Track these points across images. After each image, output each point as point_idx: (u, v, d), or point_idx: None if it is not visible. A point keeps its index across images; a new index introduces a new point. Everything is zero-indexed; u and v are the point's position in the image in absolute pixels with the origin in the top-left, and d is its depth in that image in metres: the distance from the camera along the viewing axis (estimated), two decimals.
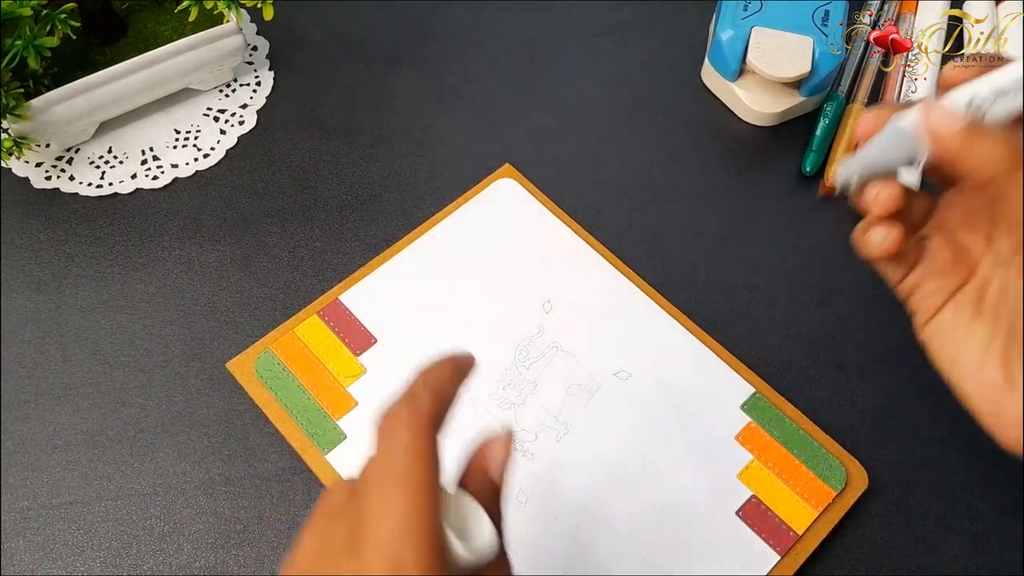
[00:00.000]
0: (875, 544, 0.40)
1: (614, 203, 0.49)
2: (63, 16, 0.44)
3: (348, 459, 0.40)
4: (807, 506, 0.39)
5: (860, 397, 0.43)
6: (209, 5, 0.47)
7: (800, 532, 0.39)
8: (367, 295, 0.45)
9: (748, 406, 0.42)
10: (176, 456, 0.41)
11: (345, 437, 0.40)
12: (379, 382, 0.42)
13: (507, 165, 0.50)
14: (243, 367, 0.42)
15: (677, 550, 0.38)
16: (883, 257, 0.33)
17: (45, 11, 0.44)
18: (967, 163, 0.28)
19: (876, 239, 0.32)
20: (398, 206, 0.49)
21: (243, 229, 0.47)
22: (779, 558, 0.38)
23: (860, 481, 0.40)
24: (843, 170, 0.32)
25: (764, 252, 0.48)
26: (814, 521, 0.39)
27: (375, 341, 0.43)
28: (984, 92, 0.29)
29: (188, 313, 0.45)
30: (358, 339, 0.43)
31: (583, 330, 0.44)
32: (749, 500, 0.39)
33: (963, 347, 0.32)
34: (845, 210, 0.50)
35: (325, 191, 0.49)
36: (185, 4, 0.46)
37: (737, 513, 0.39)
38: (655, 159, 0.51)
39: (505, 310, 0.44)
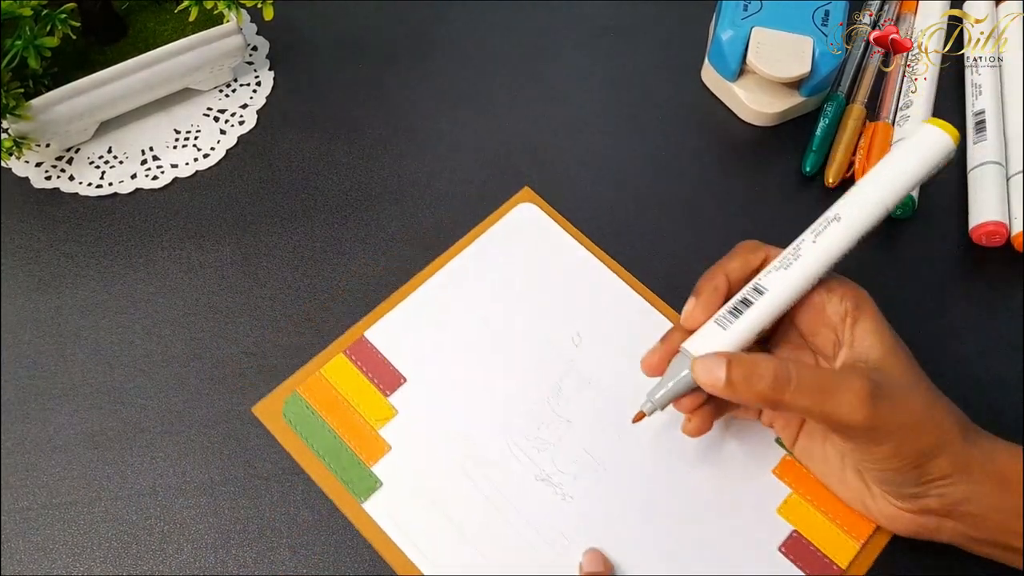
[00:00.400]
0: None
1: (611, 203, 0.49)
2: (63, 16, 0.44)
3: (386, 508, 0.39)
4: (849, 538, 0.39)
5: None
6: (209, 5, 0.47)
7: (844, 566, 0.38)
8: (393, 331, 0.43)
9: None
10: (176, 456, 0.41)
11: (381, 484, 0.39)
12: (412, 424, 0.41)
13: (526, 188, 0.49)
14: (270, 411, 0.41)
15: None
16: (698, 436, 0.38)
17: (45, 11, 0.44)
18: (740, 401, 0.35)
19: (687, 429, 0.38)
20: (398, 206, 0.49)
21: (243, 229, 0.47)
22: None
23: None
24: (650, 405, 0.37)
25: None
26: (857, 554, 0.38)
27: (404, 380, 0.42)
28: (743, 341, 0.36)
29: (188, 313, 0.45)
30: (387, 378, 0.42)
31: (613, 363, 0.43)
32: (790, 535, 0.39)
33: (825, 463, 0.39)
34: None
35: (325, 191, 0.49)
36: (185, 4, 0.46)
37: (779, 549, 0.39)
38: (653, 159, 0.51)
39: (535, 345, 0.43)
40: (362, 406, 0.41)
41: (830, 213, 0.37)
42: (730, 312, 0.36)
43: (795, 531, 0.39)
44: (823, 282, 0.37)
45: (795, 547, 0.39)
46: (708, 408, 0.38)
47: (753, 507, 0.40)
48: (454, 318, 0.44)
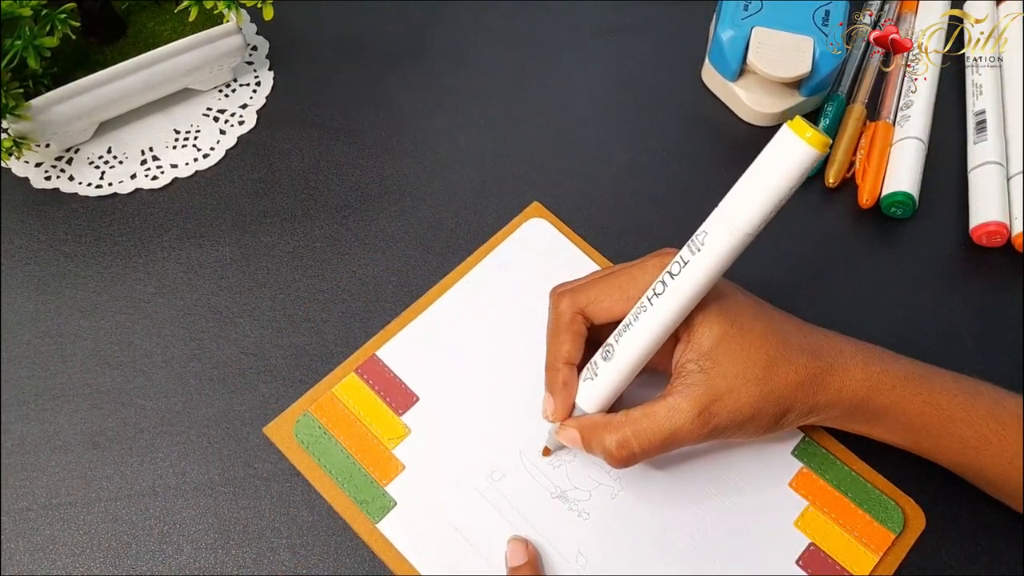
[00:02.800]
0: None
1: (609, 202, 0.49)
2: (63, 16, 0.44)
3: (401, 528, 0.39)
4: (867, 551, 0.39)
5: None
6: (209, 5, 0.47)
7: None
8: (405, 350, 0.43)
9: (799, 451, 0.41)
10: (176, 456, 0.41)
11: (395, 504, 0.39)
12: (425, 443, 0.41)
13: (535, 204, 0.48)
14: (281, 431, 0.41)
15: None
16: None
17: (45, 11, 0.44)
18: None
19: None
20: (398, 206, 0.49)
21: (243, 229, 0.47)
22: None
23: (918, 521, 0.40)
24: (552, 442, 0.40)
25: (765, 254, 0.47)
26: (875, 566, 0.38)
27: (417, 399, 0.42)
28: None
29: (188, 313, 0.45)
30: (399, 398, 0.42)
31: None
32: (808, 548, 0.39)
33: None
34: (848, 209, 0.50)
35: (325, 191, 0.49)
36: (185, 4, 0.46)
37: (797, 562, 0.39)
38: (653, 159, 0.51)
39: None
40: (375, 425, 0.41)
41: (685, 250, 0.34)
42: (602, 357, 0.37)
43: (812, 544, 0.39)
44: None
45: (813, 560, 0.39)
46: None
47: (770, 521, 0.39)
48: (466, 336, 0.44)
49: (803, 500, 0.40)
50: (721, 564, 0.38)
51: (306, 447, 0.40)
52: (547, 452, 0.41)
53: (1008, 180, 0.49)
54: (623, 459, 0.36)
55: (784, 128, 0.31)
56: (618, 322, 0.37)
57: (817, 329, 0.38)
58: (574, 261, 0.47)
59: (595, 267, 0.46)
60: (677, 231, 0.48)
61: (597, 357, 0.37)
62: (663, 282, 0.34)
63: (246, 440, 0.41)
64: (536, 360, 0.40)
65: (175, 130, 0.51)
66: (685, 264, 0.34)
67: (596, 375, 0.37)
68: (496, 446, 0.41)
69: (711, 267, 0.33)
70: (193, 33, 0.48)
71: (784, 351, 0.36)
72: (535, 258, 0.47)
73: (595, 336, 0.38)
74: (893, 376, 0.37)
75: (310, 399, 0.42)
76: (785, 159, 0.31)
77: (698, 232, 0.34)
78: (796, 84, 0.51)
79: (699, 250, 0.33)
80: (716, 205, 0.33)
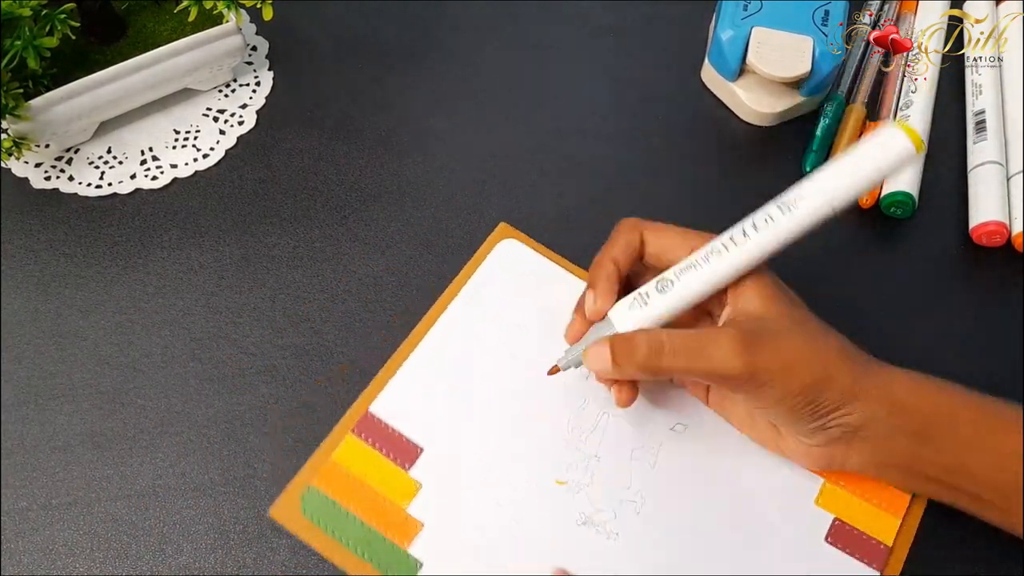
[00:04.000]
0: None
1: (610, 204, 0.49)
2: (63, 16, 0.44)
3: None
4: (888, 515, 0.39)
5: None
6: (209, 5, 0.47)
7: (890, 543, 0.38)
8: (398, 400, 0.41)
9: None
10: (176, 456, 0.41)
11: (421, 565, 0.37)
12: (439, 496, 0.39)
13: (502, 224, 0.47)
14: (288, 511, 0.38)
15: None
16: (628, 405, 0.39)
17: (45, 11, 0.44)
18: (628, 377, 0.37)
19: (617, 401, 0.39)
20: (398, 206, 0.49)
21: (242, 229, 0.47)
22: (879, 574, 0.38)
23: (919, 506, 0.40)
24: (564, 361, 0.39)
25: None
26: (899, 528, 0.39)
27: (421, 451, 0.40)
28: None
29: (188, 313, 0.45)
30: (402, 452, 0.40)
31: None
32: (833, 523, 0.39)
33: (735, 412, 0.41)
34: (848, 209, 0.50)
35: (325, 191, 0.49)
36: (185, 4, 0.46)
37: (826, 539, 0.39)
38: (653, 159, 0.51)
39: (545, 386, 0.41)
40: (384, 487, 0.39)
41: (772, 208, 0.37)
42: (656, 289, 0.37)
43: (837, 519, 0.39)
44: None
45: (840, 535, 0.39)
46: (626, 385, 0.39)
47: (792, 503, 0.39)
48: (457, 374, 0.42)
49: (819, 478, 0.40)
50: (752, 555, 0.38)
51: (318, 523, 0.38)
52: (555, 371, 0.39)
53: (1008, 180, 0.49)
54: (650, 354, 0.35)
55: (892, 126, 0.35)
56: (661, 270, 0.38)
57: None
58: (553, 276, 0.45)
59: (574, 278, 0.45)
60: None
61: (650, 287, 0.37)
62: (744, 233, 0.36)
63: (246, 440, 0.41)
64: (532, 386, 0.40)
65: (175, 130, 0.51)
66: (772, 220, 0.36)
67: (646, 303, 0.37)
68: (510, 484, 0.39)
69: (793, 230, 0.36)
70: (193, 33, 0.48)
71: (827, 328, 0.37)
72: (512, 280, 0.45)
73: (632, 282, 0.39)
74: (935, 380, 0.37)
75: (311, 470, 0.39)
76: (888, 149, 0.35)
77: (788, 194, 0.36)
78: (796, 84, 0.51)
79: (790, 211, 0.36)
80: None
